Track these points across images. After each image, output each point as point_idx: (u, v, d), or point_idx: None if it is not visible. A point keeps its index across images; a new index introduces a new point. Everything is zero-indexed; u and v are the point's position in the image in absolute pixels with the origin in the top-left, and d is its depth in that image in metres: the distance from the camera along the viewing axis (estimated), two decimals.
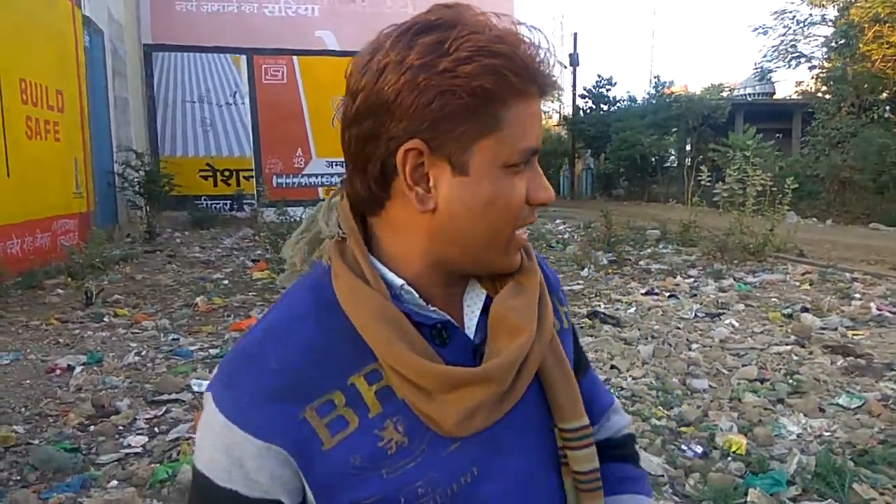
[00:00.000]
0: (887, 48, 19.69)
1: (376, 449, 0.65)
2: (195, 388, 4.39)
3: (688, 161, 20.77)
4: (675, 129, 24.34)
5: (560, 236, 13.47)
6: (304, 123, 17.10)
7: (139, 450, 3.46)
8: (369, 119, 0.66)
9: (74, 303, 7.36)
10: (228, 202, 16.99)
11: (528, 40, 0.66)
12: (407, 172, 0.66)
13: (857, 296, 7.14)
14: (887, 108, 20.39)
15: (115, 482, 3.06)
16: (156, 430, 3.75)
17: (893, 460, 3.26)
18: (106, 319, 6.60)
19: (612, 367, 4.89)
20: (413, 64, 0.63)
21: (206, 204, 16.80)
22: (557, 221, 16.26)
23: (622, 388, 4.48)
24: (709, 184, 10.90)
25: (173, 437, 3.59)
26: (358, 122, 0.67)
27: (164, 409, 4.08)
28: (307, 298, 0.71)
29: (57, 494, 2.89)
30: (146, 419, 3.89)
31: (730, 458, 3.38)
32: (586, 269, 9.25)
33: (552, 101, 44.93)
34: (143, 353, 5.38)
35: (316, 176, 17.36)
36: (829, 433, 3.70)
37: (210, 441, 0.66)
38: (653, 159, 24.48)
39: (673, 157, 25.91)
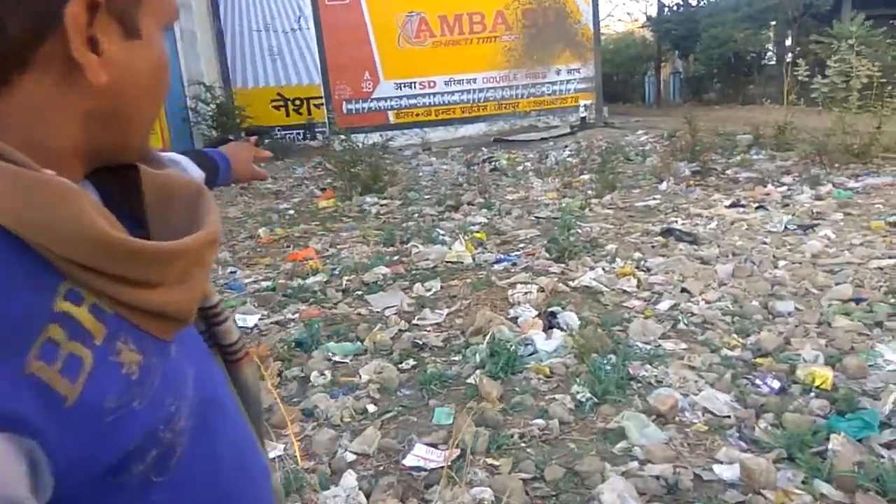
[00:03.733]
0: None
1: (122, 378, 0.51)
2: (239, 323, 4.30)
3: (788, 57, 18.85)
4: (773, 22, 22.02)
5: (640, 148, 12.60)
6: (370, 45, 16.61)
7: None
8: None
9: None
10: (301, 132, 16.94)
11: None
12: (79, 33, 0.51)
13: None
14: None
15: None
16: None
17: None
18: None
19: (683, 290, 4.42)
20: None
21: (280, 134, 16.83)
22: (640, 132, 15.21)
23: (692, 314, 4.03)
24: (807, 79, 9.72)
25: None
26: None
27: None
28: None
29: None
30: None
31: (812, 395, 2.93)
32: (665, 182, 8.57)
33: (636, 1, 41.72)
34: None
35: (385, 99, 16.95)
36: None
37: None
38: (748, 57, 22.45)
39: (771, 54, 23.64)
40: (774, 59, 23.33)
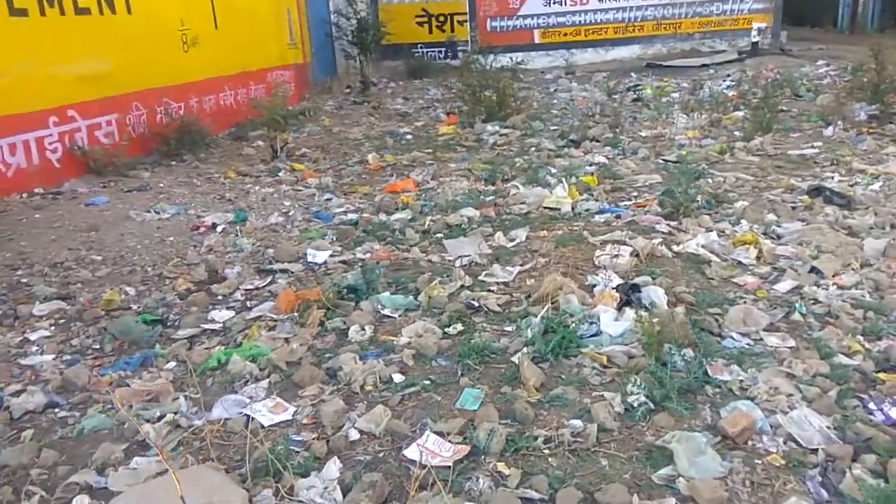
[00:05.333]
0: None
1: None
2: (309, 259, 4.18)
3: None
4: None
5: (815, 82, 10.89)
6: None
7: (218, 326, 3.33)
8: None
9: (266, 155, 7.62)
10: (443, 50, 16.49)
11: None
12: None
13: None
14: None
15: (172, 363, 2.96)
16: (248, 303, 3.61)
17: None
18: (280, 174, 6.72)
19: (813, 269, 3.66)
20: None
21: (422, 52, 16.50)
22: (820, 63, 13.19)
23: (815, 302, 3.31)
24: None
25: (254, 315, 3.41)
26: None
27: (269, 279, 3.93)
28: None
29: (111, 373, 2.86)
30: (246, 290, 3.77)
31: None
32: (832, 127, 7.29)
33: None
34: (290, 213, 5.33)
35: (532, 17, 15.96)
36: None
37: None
38: None
39: None
40: None
